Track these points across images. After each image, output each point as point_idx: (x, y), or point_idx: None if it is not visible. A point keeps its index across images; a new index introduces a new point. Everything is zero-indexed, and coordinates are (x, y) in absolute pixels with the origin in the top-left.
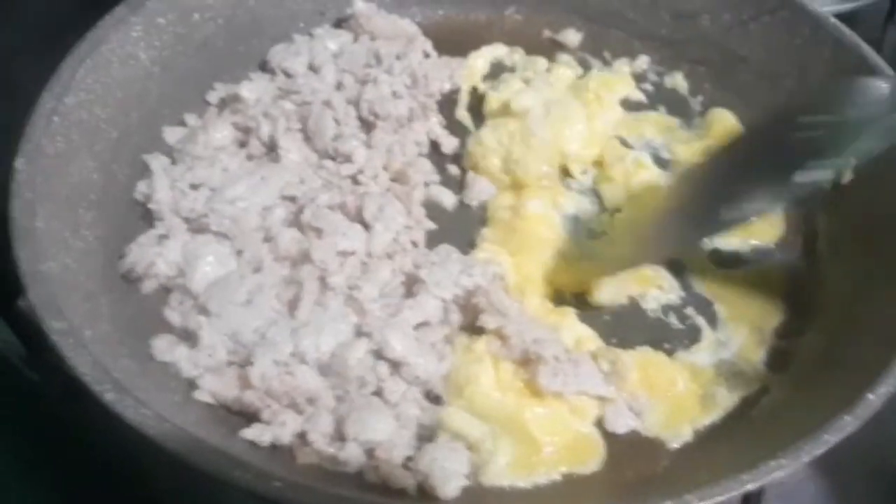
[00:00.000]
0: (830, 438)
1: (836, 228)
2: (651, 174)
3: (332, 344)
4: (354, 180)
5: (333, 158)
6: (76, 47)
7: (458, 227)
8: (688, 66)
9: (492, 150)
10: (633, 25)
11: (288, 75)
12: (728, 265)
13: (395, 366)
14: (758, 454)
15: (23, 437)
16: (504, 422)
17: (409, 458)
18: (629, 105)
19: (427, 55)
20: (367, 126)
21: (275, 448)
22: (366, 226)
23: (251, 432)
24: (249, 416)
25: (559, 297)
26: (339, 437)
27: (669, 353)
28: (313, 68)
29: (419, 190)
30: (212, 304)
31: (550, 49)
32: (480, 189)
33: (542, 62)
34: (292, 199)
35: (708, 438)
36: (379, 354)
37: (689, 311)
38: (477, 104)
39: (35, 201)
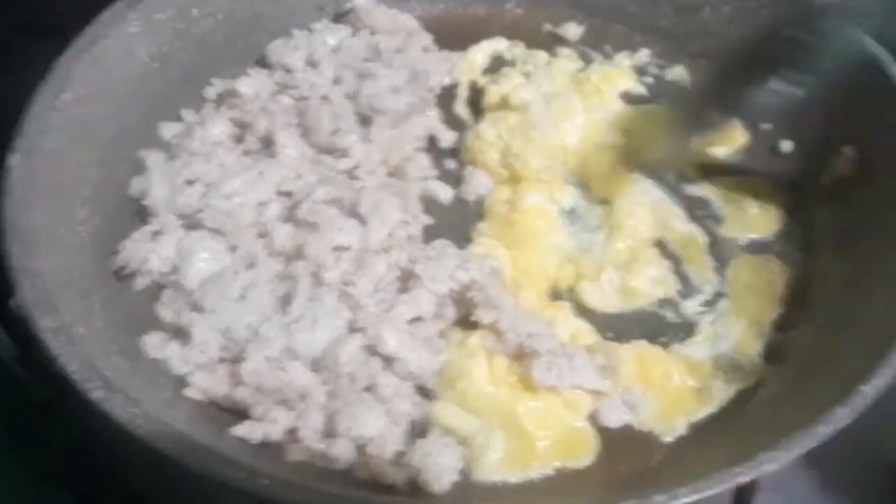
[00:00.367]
0: (824, 431)
1: (834, 221)
2: None
3: (325, 339)
4: (351, 175)
5: (331, 153)
6: (74, 43)
7: (455, 222)
8: (689, 59)
9: (491, 145)
10: (635, 19)
11: (286, 70)
12: (726, 257)
13: (388, 361)
14: (752, 447)
15: (15, 438)
16: (497, 416)
17: (401, 454)
18: (630, 98)
19: (426, 49)
20: (365, 121)
21: (265, 445)
22: (362, 221)
23: (241, 429)
24: (240, 413)
25: (555, 292)
26: (330, 433)
27: (665, 346)
28: (312, 63)
29: (416, 185)
30: (205, 300)
31: (551, 43)
32: (478, 183)
33: (542, 56)
34: (288, 194)
35: (703, 432)
36: (372, 350)
37: (686, 304)
38: (476, 98)
39: (29, 198)
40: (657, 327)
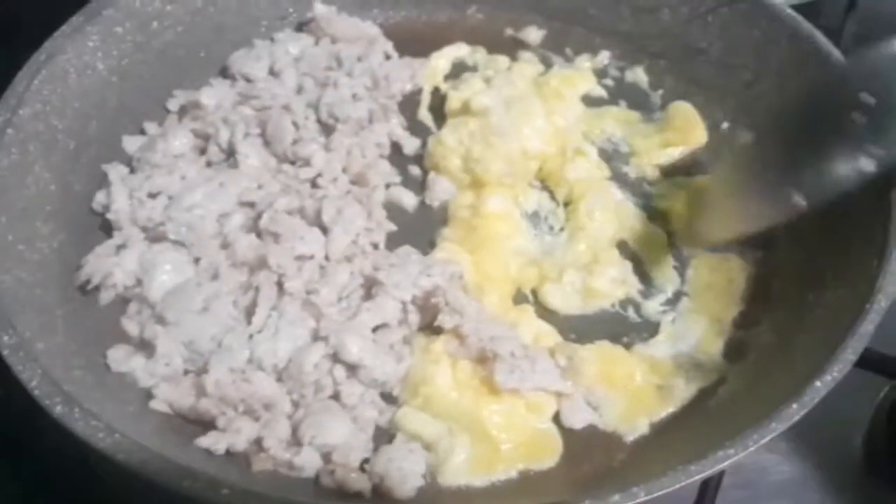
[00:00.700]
0: (777, 426)
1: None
2: (590, 165)
3: (289, 349)
4: (314, 184)
5: (293, 163)
6: (32, 58)
7: (420, 228)
8: (648, 60)
9: (452, 150)
10: (594, 21)
11: (248, 80)
12: (687, 257)
13: (352, 369)
14: (710, 445)
15: (3, 451)
16: (461, 421)
17: (366, 461)
18: (590, 101)
19: (388, 57)
20: (326, 129)
21: (231, 456)
22: (324, 229)
23: (206, 440)
24: (206, 425)
25: (518, 295)
26: (296, 442)
27: (628, 346)
28: (274, 73)
29: (379, 192)
30: (168, 312)
31: (512, 47)
32: (442, 189)
33: (503, 60)
34: (251, 204)
35: (664, 431)
36: (336, 358)
37: (648, 304)
38: (439, 104)
39: None
40: (620, 327)
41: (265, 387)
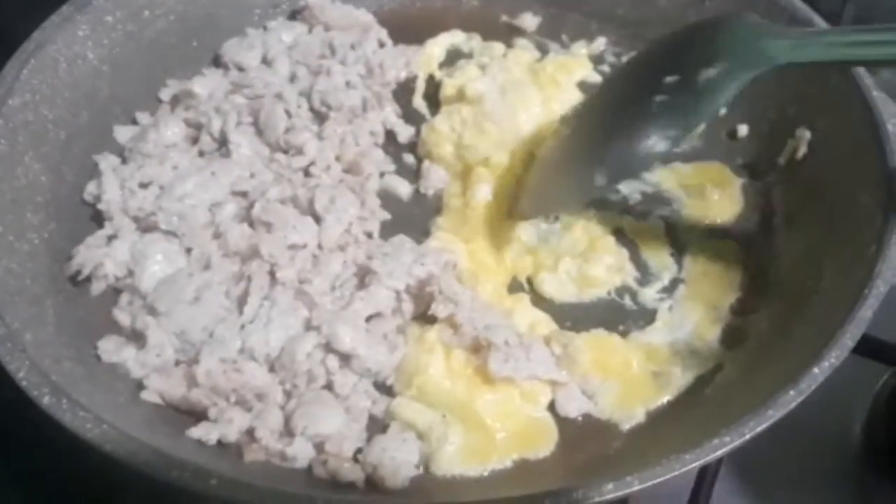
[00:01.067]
0: (775, 414)
1: (789, 202)
2: None
3: (281, 339)
4: (307, 173)
5: (286, 151)
6: (21, 48)
7: (414, 217)
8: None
9: (445, 137)
10: (591, 7)
11: (241, 69)
12: (684, 244)
13: (345, 358)
14: (707, 433)
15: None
16: (455, 410)
17: (360, 451)
18: (586, 87)
19: (382, 44)
20: (319, 118)
21: (223, 446)
22: (317, 218)
23: (197, 431)
24: (198, 415)
25: (514, 284)
26: (288, 432)
27: (624, 334)
28: (267, 61)
29: (373, 180)
30: (160, 303)
31: (508, 34)
32: (436, 177)
33: (499, 47)
34: (243, 194)
35: (660, 419)
36: (328, 347)
37: (645, 291)
38: (434, 92)
39: None
40: (616, 315)
41: (257, 377)
